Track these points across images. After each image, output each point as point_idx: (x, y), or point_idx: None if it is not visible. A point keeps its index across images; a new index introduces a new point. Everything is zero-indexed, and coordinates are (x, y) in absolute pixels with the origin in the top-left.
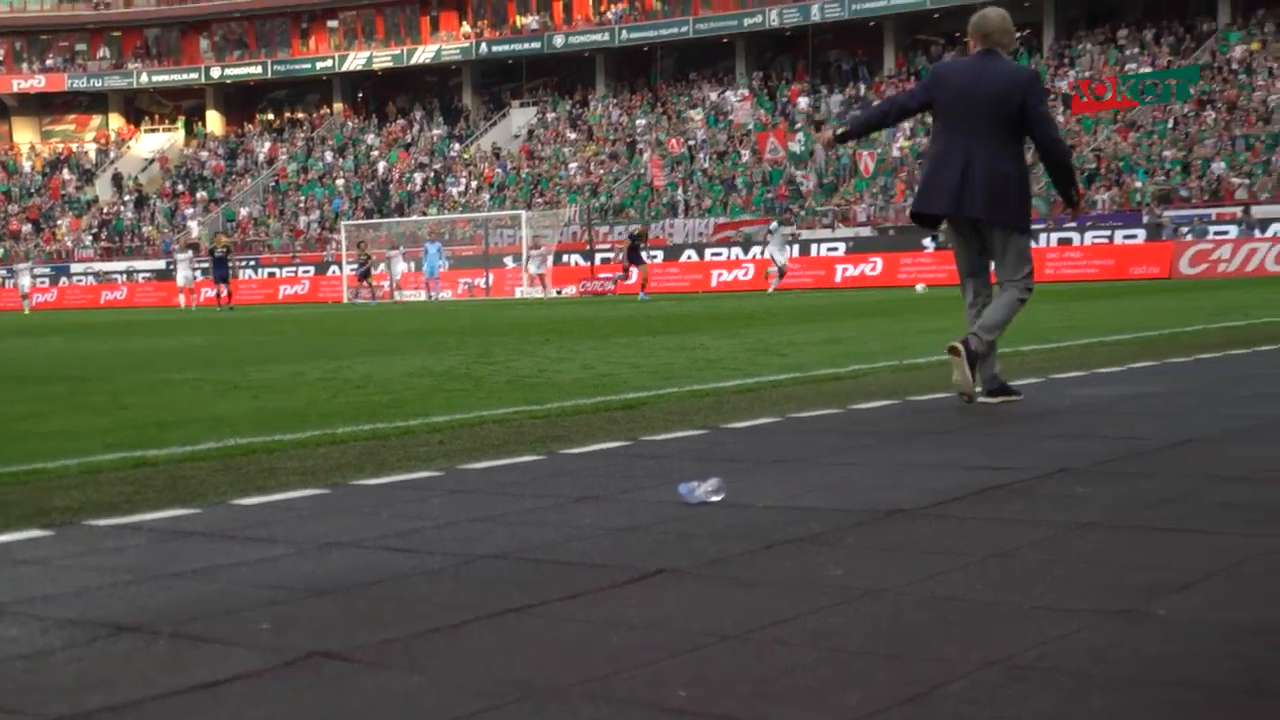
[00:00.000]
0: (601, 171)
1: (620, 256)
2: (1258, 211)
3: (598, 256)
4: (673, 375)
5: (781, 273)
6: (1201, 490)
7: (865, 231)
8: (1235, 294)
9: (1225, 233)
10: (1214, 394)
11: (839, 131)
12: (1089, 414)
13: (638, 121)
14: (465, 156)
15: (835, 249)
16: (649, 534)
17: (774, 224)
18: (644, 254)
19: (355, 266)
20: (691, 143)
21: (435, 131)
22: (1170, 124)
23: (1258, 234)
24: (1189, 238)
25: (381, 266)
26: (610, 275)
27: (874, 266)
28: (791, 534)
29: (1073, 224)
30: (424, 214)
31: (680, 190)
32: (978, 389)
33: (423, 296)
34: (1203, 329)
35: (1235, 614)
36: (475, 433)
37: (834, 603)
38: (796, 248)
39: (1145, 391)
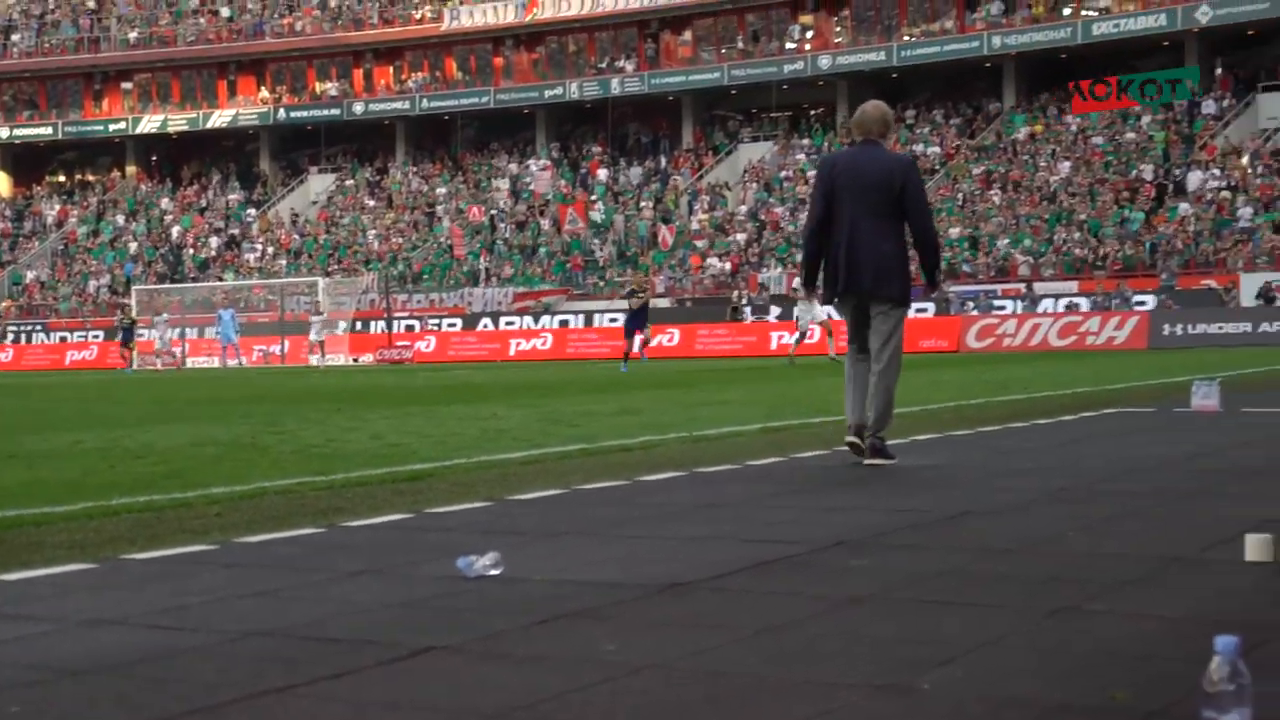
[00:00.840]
0: (400, 239)
1: (624, 321)
2: (1040, 288)
3: (395, 324)
4: (462, 446)
5: (803, 335)
6: (973, 564)
7: (664, 303)
8: (1018, 368)
9: (1007, 308)
10: (992, 467)
11: (805, 284)
12: (870, 486)
13: (438, 189)
14: (262, 223)
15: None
16: (424, 609)
17: (796, 283)
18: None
19: (118, 332)
20: (493, 212)
21: (231, 196)
22: (959, 202)
23: (1040, 310)
24: (975, 312)
25: (148, 333)
26: (407, 343)
27: (671, 338)
28: (568, 608)
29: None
30: (219, 279)
31: (481, 259)
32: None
33: (215, 363)
34: (985, 402)
35: (995, 687)
36: (255, 504)
37: (604, 679)
38: (581, 318)
39: (926, 464)
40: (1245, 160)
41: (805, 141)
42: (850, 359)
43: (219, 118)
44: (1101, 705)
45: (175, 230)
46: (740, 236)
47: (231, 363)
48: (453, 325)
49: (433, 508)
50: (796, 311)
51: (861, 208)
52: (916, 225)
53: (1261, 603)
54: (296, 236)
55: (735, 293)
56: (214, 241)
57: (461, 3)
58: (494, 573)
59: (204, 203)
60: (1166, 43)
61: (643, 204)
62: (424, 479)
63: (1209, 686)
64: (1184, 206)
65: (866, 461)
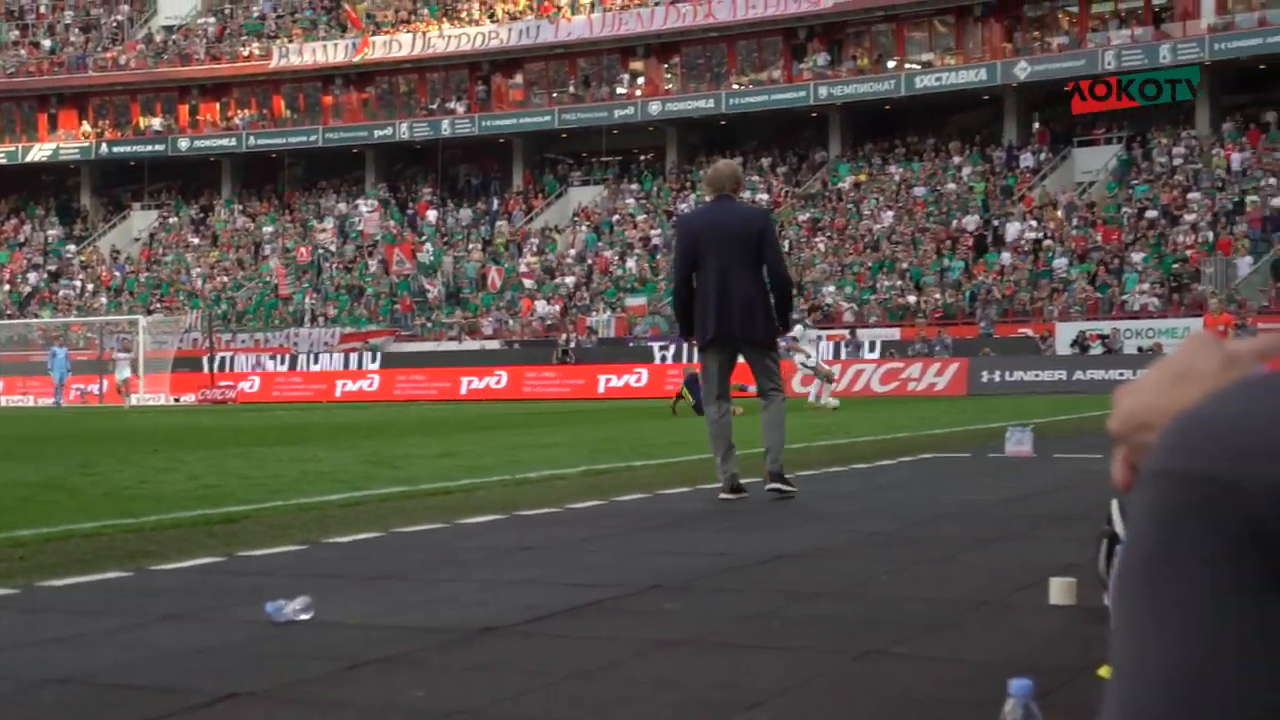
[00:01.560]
0: (225, 278)
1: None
2: (864, 334)
3: (219, 364)
4: (280, 488)
5: (828, 377)
6: (785, 607)
7: (492, 344)
8: (840, 412)
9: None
10: (808, 510)
11: (684, 333)
12: (685, 530)
13: (264, 228)
14: (82, 258)
15: (462, 361)
16: (230, 655)
17: (799, 329)
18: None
19: None
20: (320, 251)
21: (51, 232)
22: (785, 248)
23: (863, 355)
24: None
25: None
26: (230, 383)
27: (499, 379)
28: (378, 654)
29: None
30: (37, 316)
31: (307, 299)
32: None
33: (34, 402)
34: (805, 446)
35: None
36: (61, 547)
37: None
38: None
39: (741, 509)
40: (1060, 212)
41: (634, 186)
42: (716, 412)
43: (39, 151)
44: None
45: None
46: (569, 279)
47: (48, 402)
48: (277, 366)
49: (246, 550)
50: (805, 362)
51: (725, 259)
52: (774, 271)
53: (1063, 646)
54: (117, 274)
55: (563, 335)
56: (32, 277)
57: (290, 41)
58: (304, 617)
59: (21, 238)
60: (986, 97)
61: (471, 245)
62: (239, 521)
63: None
64: (1003, 256)
65: (769, 487)
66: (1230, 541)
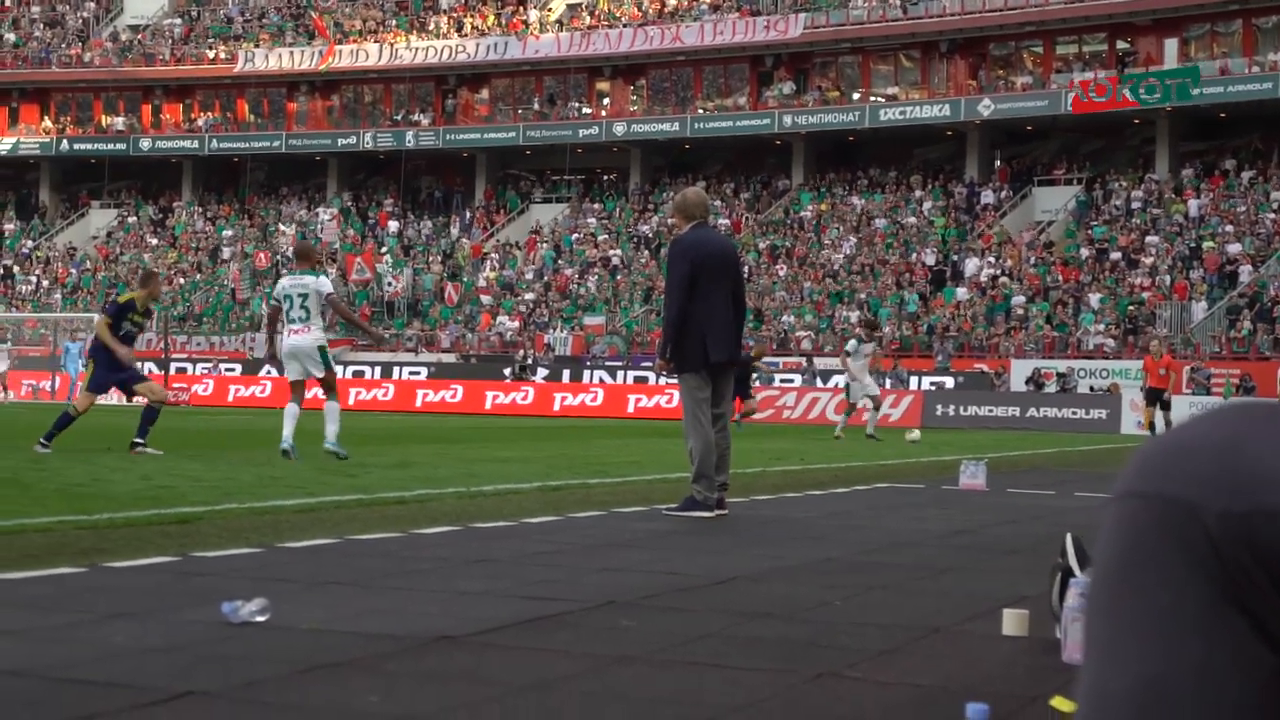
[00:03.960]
0: (183, 280)
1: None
2: (820, 363)
3: (173, 366)
4: (235, 491)
5: (853, 408)
6: (739, 627)
7: (449, 357)
8: (796, 440)
9: (791, 381)
10: (764, 534)
11: (667, 360)
12: (641, 548)
13: (224, 231)
14: (39, 254)
15: (418, 373)
16: (184, 654)
17: (852, 342)
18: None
19: None
20: (278, 256)
21: (8, 226)
22: (745, 274)
23: (819, 384)
24: (756, 384)
25: None
26: (185, 386)
27: (455, 393)
28: (332, 658)
29: (648, 363)
30: None
31: (264, 304)
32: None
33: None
34: (761, 471)
35: None
36: (12, 542)
37: None
38: (377, 369)
39: (698, 530)
40: (1020, 250)
41: (597, 206)
42: (709, 429)
43: None
44: None
45: None
46: (529, 296)
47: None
48: (232, 370)
49: (200, 552)
50: (845, 381)
51: (716, 285)
52: (740, 298)
53: (1014, 674)
54: (74, 271)
55: (520, 352)
56: None
57: (257, 45)
58: (259, 619)
59: None
60: (950, 132)
61: (431, 258)
62: (192, 522)
63: None
64: (960, 291)
65: (719, 512)
66: (1193, 562)
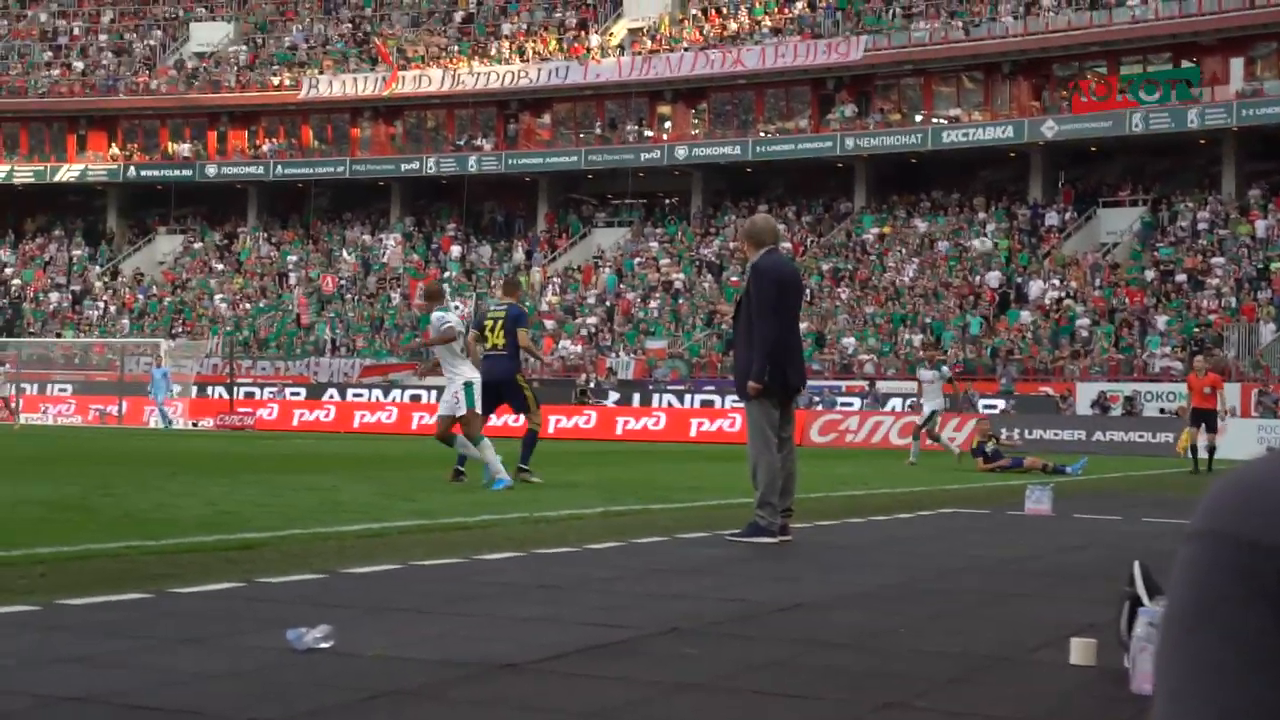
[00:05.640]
0: (248, 305)
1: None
2: (883, 386)
3: (238, 390)
4: (298, 516)
5: (934, 436)
6: (803, 655)
7: None
8: (859, 463)
9: (852, 405)
10: (827, 561)
11: (764, 378)
12: (707, 575)
13: (289, 257)
14: (106, 280)
15: None
16: (249, 681)
17: (932, 374)
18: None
19: None
20: (343, 282)
21: (76, 252)
22: (807, 298)
23: (882, 407)
24: (819, 407)
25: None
26: (250, 410)
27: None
28: (397, 685)
29: (711, 386)
30: (58, 336)
31: (329, 329)
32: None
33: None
34: (824, 496)
35: None
36: (82, 567)
37: None
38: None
39: (762, 556)
40: (1085, 272)
41: (658, 229)
42: (776, 453)
43: (67, 172)
44: None
45: (16, 283)
46: (591, 320)
47: (161, 421)
48: (296, 394)
49: (264, 577)
50: (927, 406)
51: (791, 310)
52: (796, 325)
53: (1084, 705)
54: (140, 296)
55: (583, 375)
56: (54, 297)
57: (321, 72)
58: (324, 646)
59: (46, 257)
60: (1013, 154)
61: (494, 282)
62: (257, 548)
63: None
64: (1024, 314)
65: (783, 538)
66: (1264, 601)
